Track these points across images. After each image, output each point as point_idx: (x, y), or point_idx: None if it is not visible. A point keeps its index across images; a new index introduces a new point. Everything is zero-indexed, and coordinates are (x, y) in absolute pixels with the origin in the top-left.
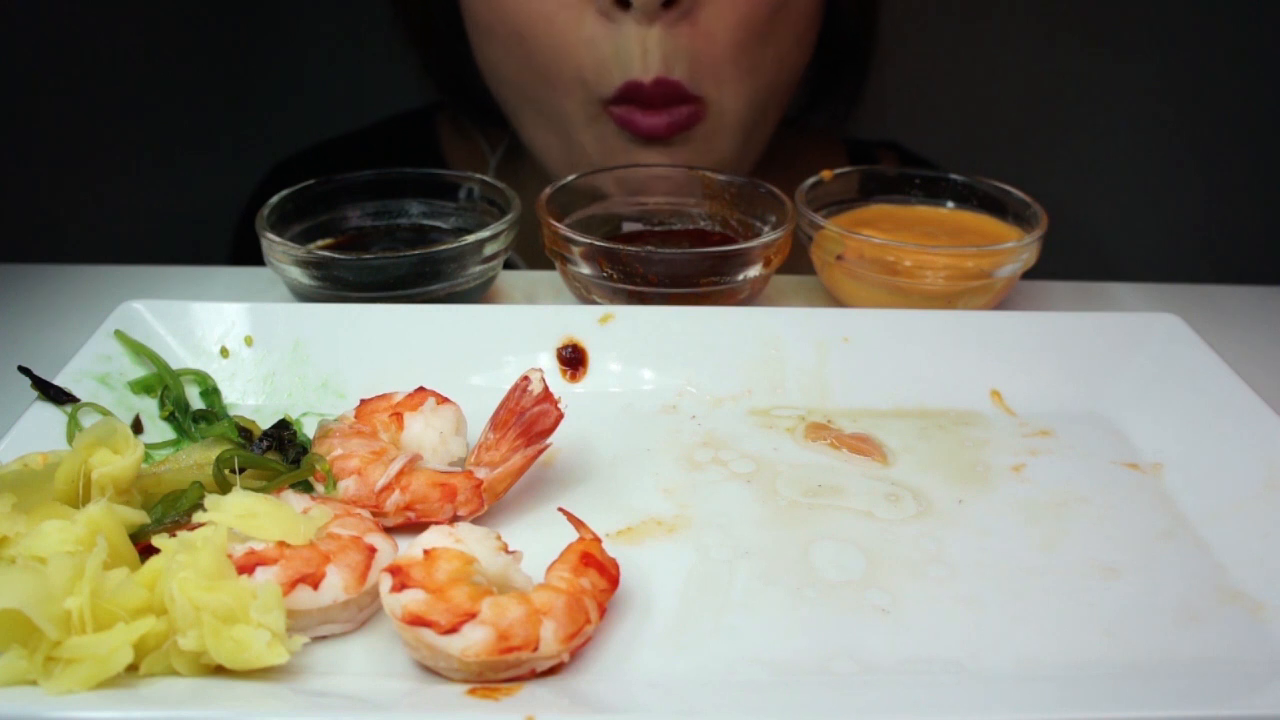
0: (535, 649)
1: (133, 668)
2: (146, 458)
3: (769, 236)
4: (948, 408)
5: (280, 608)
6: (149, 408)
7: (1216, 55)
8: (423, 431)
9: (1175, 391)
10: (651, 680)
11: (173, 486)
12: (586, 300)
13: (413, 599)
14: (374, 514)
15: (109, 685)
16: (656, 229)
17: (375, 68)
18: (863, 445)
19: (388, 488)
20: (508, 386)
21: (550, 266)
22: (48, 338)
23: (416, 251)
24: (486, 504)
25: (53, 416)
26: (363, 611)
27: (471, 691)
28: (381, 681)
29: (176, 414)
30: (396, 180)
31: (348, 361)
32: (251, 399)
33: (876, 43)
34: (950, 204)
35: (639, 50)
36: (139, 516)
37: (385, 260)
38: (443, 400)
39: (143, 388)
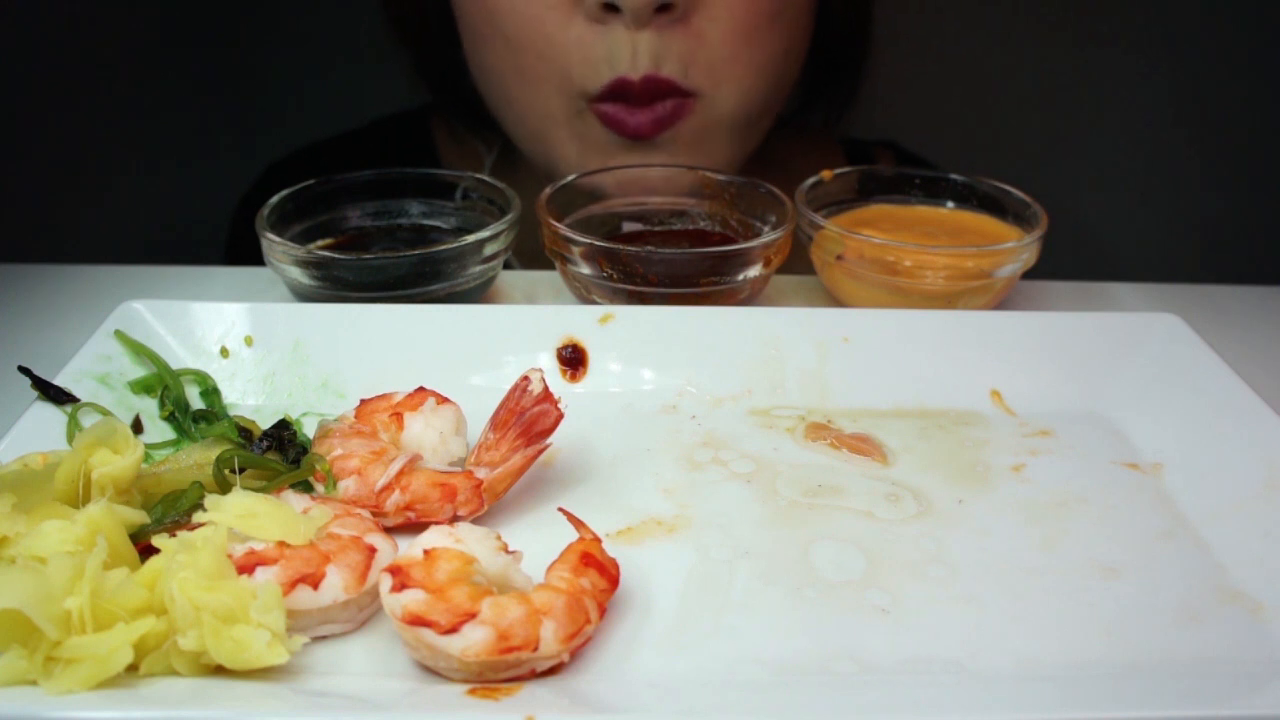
0: (535, 649)
1: (133, 668)
2: (146, 458)
3: (769, 236)
4: (948, 408)
5: (280, 608)
6: (149, 408)
7: (1217, 55)
8: (423, 431)
9: (1175, 391)
10: (651, 680)
11: (173, 486)
12: (586, 300)
13: (413, 599)
14: (374, 514)
15: (109, 685)
16: (656, 229)
17: (371, 68)
18: (863, 445)
19: (388, 488)
20: (508, 386)
21: (550, 266)
22: (48, 338)
23: (416, 251)
24: (486, 504)
25: (53, 416)
26: (363, 611)
27: (471, 691)
28: (381, 681)
29: (176, 414)
30: (396, 180)
31: (348, 361)
32: (251, 399)
33: (872, 42)
34: (950, 204)
35: (629, 51)
36: (139, 516)
37: (385, 260)
38: (443, 400)
39: (143, 388)
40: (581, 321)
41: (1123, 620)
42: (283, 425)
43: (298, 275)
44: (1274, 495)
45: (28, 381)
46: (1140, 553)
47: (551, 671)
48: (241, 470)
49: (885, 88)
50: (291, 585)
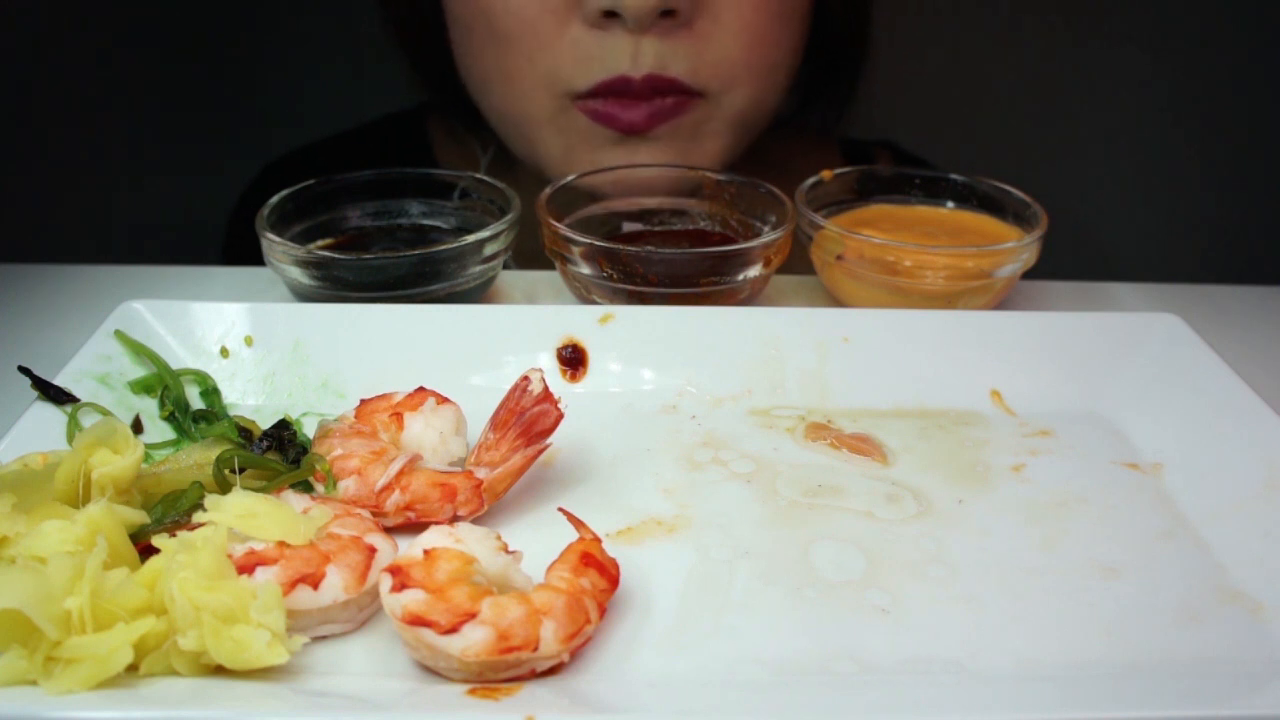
0: (535, 649)
1: (133, 668)
2: (146, 458)
3: (769, 236)
4: (948, 408)
5: (280, 608)
6: (149, 408)
7: (1217, 55)
8: (423, 431)
9: (1175, 391)
10: (651, 680)
11: (173, 486)
12: (586, 300)
13: (413, 599)
14: (374, 514)
15: (109, 685)
16: (656, 229)
17: (368, 69)
18: (863, 445)
19: (388, 488)
20: (508, 386)
21: (550, 266)
22: (48, 338)
23: (416, 251)
24: (486, 504)
25: (53, 416)
26: (363, 611)
27: (471, 691)
28: (381, 681)
29: (176, 414)
30: (396, 180)
31: (348, 361)
32: (251, 399)
33: (870, 42)
34: (950, 204)
35: (630, 53)
36: (139, 516)
37: (385, 260)
38: (443, 400)
39: (143, 388)
40: (581, 321)
41: (1123, 620)
42: (283, 425)
43: (298, 275)
44: (1274, 495)
45: (28, 381)
46: (1140, 553)
47: (551, 671)
48: (241, 470)
49: (884, 88)
50: (291, 585)
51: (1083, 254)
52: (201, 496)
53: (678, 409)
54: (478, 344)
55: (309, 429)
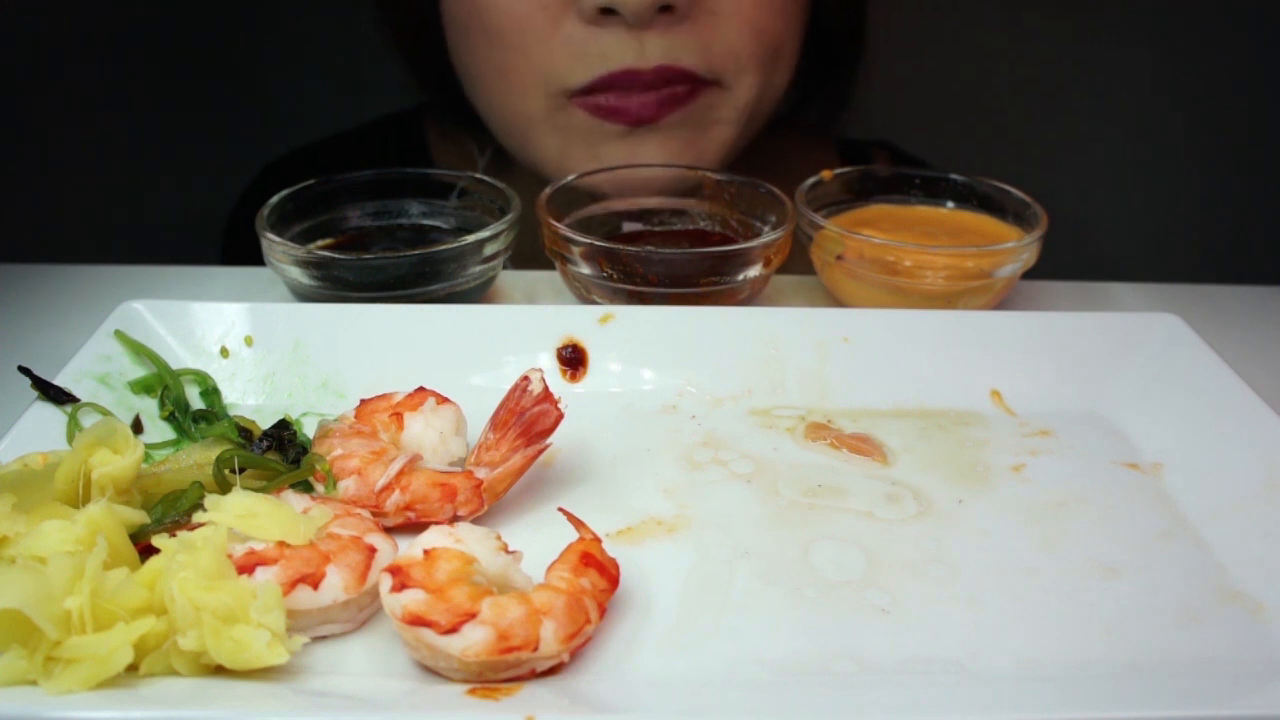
0: (535, 649)
1: (133, 668)
2: (146, 458)
3: (769, 236)
4: (948, 408)
5: (280, 608)
6: (149, 408)
7: (1216, 55)
8: (423, 431)
9: (1175, 391)
10: (651, 680)
11: (173, 486)
12: (586, 300)
13: (413, 599)
14: (374, 514)
15: (109, 685)
16: (656, 229)
17: (368, 69)
18: (863, 445)
19: (388, 488)
20: (508, 386)
21: (550, 266)
22: (48, 338)
23: (416, 251)
24: (486, 504)
25: (53, 416)
26: (363, 611)
27: (471, 691)
28: (381, 681)
29: (176, 414)
30: (396, 180)
31: (348, 361)
32: (251, 399)
33: (866, 41)
34: (950, 204)
35: (632, 48)
36: (139, 516)
37: (385, 260)
38: (443, 400)
39: (143, 388)
40: (581, 321)
41: (1123, 620)
42: (283, 425)
43: (298, 275)
44: (1274, 495)
45: (28, 381)
46: (1140, 553)
47: (551, 671)
48: (241, 470)
49: (882, 87)
50: (291, 585)
51: (1083, 254)
52: (201, 496)
53: (678, 409)
54: (478, 344)
55: (309, 429)
